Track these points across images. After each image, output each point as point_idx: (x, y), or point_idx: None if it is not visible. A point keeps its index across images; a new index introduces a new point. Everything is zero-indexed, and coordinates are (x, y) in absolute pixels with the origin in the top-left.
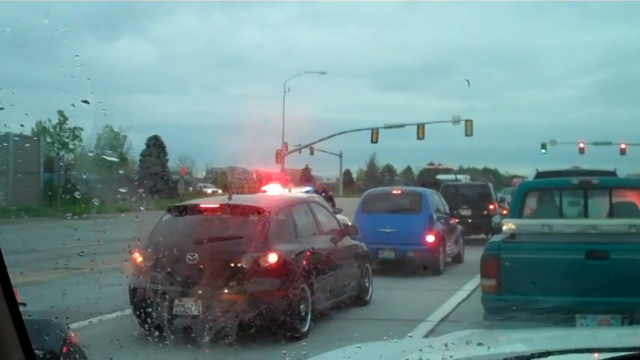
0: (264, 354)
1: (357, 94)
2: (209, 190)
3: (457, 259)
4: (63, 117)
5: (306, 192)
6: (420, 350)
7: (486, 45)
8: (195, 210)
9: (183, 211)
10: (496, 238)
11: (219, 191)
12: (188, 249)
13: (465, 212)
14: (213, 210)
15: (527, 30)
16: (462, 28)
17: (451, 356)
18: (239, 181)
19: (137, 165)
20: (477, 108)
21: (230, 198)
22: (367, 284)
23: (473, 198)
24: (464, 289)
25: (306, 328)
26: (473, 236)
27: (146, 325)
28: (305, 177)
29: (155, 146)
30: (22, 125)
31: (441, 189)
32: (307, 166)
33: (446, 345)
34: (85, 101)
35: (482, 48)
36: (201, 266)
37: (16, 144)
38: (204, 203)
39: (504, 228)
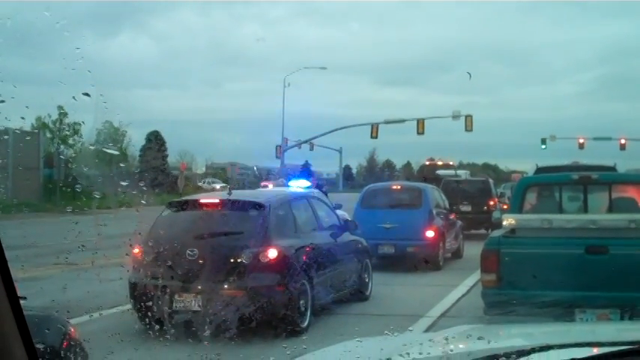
0: (265, 349)
1: (357, 89)
2: (217, 186)
3: (457, 254)
4: (63, 112)
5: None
6: (421, 344)
7: (486, 41)
8: (195, 205)
9: (183, 206)
10: (496, 233)
11: (228, 187)
12: (188, 244)
13: (466, 208)
14: (213, 205)
15: (526, 26)
16: (462, 23)
17: (451, 350)
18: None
19: (137, 160)
20: (477, 103)
21: (230, 193)
22: (367, 279)
23: (473, 193)
24: (464, 284)
25: (306, 323)
26: (473, 231)
27: (146, 320)
28: (306, 171)
29: (155, 141)
30: (22, 118)
31: (442, 184)
32: (307, 161)
33: (446, 339)
34: (86, 94)
35: (482, 44)
36: (201, 261)
37: (15, 138)
38: (204, 198)
39: (504, 223)
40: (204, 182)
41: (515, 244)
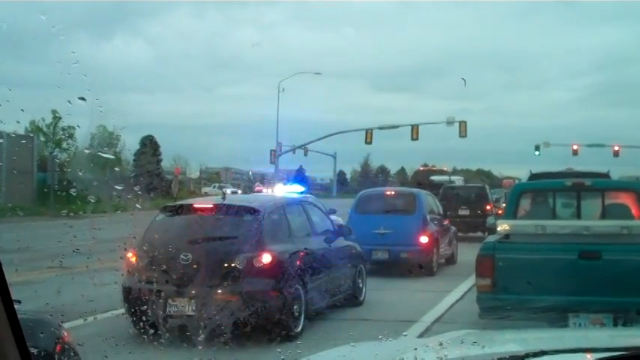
0: (259, 353)
1: (351, 95)
2: (228, 191)
3: (451, 260)
4: (57, 116)
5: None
6: (415, 349)
7: (481, 47)
8: (189, 210)
9: (176, 210)
10: (491, 238)
11: (239, 192)
12: (182, 249)
13: (464, 212)
14: (207, 210)
15: (521, 32)
16: (456, 30)
17: (446, 355)
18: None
19: (131, 165)
20: (472, 109)
21: (224, 198)
22: (361, 285)
23: (471, 199)
24: (458, 289)
25: (300, 327)
26: (471, 234)
27: (140, 324)
28: (300, 176)
29: (149, 146)
30: (18, 122)
31: (441, 190)
32: (301, 166)
33: (441, 344)
34: (82, 98)
35: (476, 50)
36: (195, 266)
37: (10, 142)
38: (198, 203)
39: (499, 229)
40: (213, 186)
41: (510, 249)
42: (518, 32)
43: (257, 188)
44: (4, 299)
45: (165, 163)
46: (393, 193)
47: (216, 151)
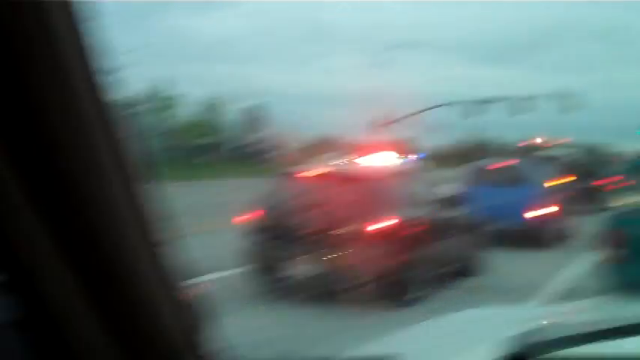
0: (377, 319)
1: (451, 67)
2: (353, 161)
3: (565, 233)
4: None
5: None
6: (547, 316)
7: (590, 20)
8: (302, 177)
9: (290, 177)
10: (618, 210)
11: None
12: (297, 214)
13: (575, 185)
14: (319, 177)
15: (631, 3)
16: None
17: (592, 317)
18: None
19: (235, 133)
20: (580, 83)
21: (340, 166)
22: (475, 255)
23: (585, 171)
24: (574, 262)
25: (415, 295)
26: (579, 207)
27: (263, 281)
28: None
29: (253, 115)
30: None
31: (554, 162)
32: (408, 136)
33: (582, 309)
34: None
35: (586, 24)
36: (311, 231)
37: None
38: (314, 170)
39: (623, 202)
40: (332, 157)
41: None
42: (633, 5)
43: (357, 160)
44: None
45: (268, 134)
46: (505, 165)
47: (313, 121)
